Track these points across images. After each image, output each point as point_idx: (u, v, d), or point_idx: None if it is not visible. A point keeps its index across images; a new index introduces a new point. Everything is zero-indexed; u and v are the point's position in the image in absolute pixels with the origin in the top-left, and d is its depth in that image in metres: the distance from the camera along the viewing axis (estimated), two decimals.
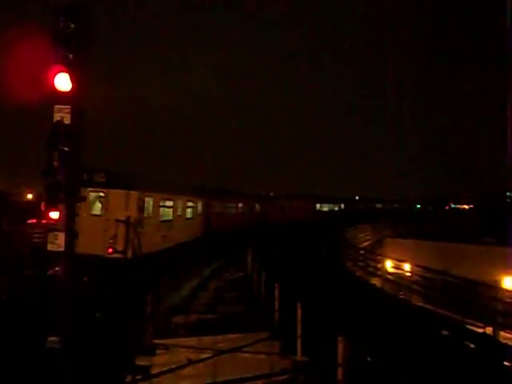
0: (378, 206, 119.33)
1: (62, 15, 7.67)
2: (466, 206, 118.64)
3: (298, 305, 11.76)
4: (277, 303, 14.25)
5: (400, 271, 24.55)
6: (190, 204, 29.65)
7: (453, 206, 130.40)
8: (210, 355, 11.94)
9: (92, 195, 20.13)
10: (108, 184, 20.47)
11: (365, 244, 45.18)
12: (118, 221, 19.67)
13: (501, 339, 14.96)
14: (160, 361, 11.54)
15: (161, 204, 24.01)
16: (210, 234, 33.35)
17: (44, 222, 7.98)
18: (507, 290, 18.85)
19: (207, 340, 13.12)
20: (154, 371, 10.86)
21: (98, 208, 20.34)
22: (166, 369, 11.01)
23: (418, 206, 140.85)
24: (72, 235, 8.04)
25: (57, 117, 7.75)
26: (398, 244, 43.42)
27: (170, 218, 25.36)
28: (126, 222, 19.68)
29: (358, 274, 27.87)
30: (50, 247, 7.92)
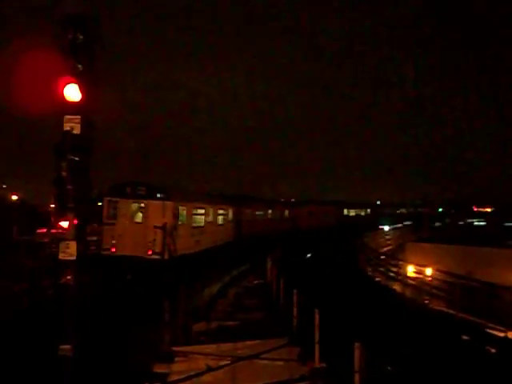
0: (403, 210, 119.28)
1: (71, 27, 7.78)
2: (489, 209, 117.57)
3: (316, 311, 11.74)
4: (295, 309, 14.23)
5: (421, 276, 24.34)
6: (220, 212, 33.06)
7: (475, 209, 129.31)
8: (228, 362, 11.94)
9: (134, 206, 23.74)
10: (148, 196, 23.67)
11: (386, 249, 44.88)
12: (156, 227, 22.68)
13: None
14: (178, 368, 11.56)
15: (193, 212, 27.40)
16: (241, 239, 36.46)
17: (53, 231, 8.09)
18: None
19: (226, 347, 13.14)
20: (173, 378, 10.88)
21: (139, 216, 23.62)
22: (184, 376, 11.03)
23: (441, 209, 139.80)
24: (83, 244, 8.11)
25: (66, 127, 7.86)
26: (419, 248, 43.04)
27: (202, 224, 28.64)
28: (163, 228, 22.72)
29: (378, 279, 27.68)
30: (61, 256, 7.99)
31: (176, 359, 12.08)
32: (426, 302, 21.01)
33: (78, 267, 7.90)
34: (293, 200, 75.82)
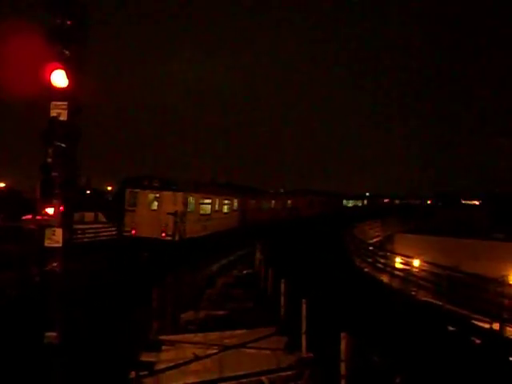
0: (396, 201, 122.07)
1: (58, 11, 7.70)
2: (477, 202, 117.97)
3: (303, 301, 11.78)
4: (283, 299, 14.28)
5: (409, 267, 24.46)
6: (226, 202, 38.54)
7: (463, 201, 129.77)
8: (216, 351, 11.97)
9: (151, 196, 29.17)
10: (162, 188, 29.00)
11: (374, 240, 45.00)
12: (168, 213, 27.95)
13: (508, 335, 14.90)
14: (166, 357, 11.58)
15: (201, 201, 32.55)
16: (246, 225, 41.53)
17: (39, 217, 8.02)
18: None
19: (213, 336, 13.16)
20: (160, 367, 10.90)
21: (155, 205, 28.97)
22: (171, 364, 11.06)
23: (429, 201, 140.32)
24: (69, 231, 8.07)
25: (53, 113, 7.80)
26: (408, 240, 43.26)
27: (209, 212, 34.03)
28: (175, 214, 27.92)
29: (366, 270, 27.78)
30: (47, 243, 7.95)
31: (163, 348, 12.10)
32: (413, 293, 21.11)
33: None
34: (282, 190, 77.21)
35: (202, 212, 32.76)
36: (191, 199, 30.58)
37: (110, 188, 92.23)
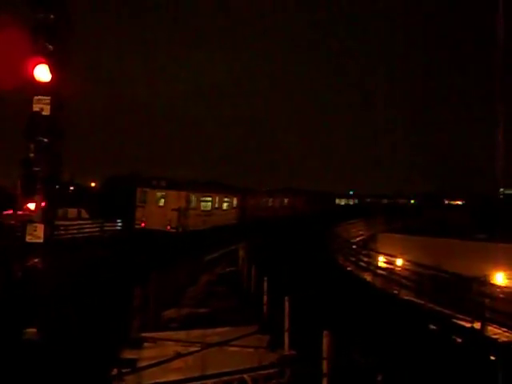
0: (384, 201, 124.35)
1: (42, 6, 7.60)
2: (460, 202, 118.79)
3: (286, 299, 11.79)
4: (265, 297, 14.28)
5: (392, 266, 24.58)
6: (226, 200, 44.14)
7: (447, 202, 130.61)
8: (198, 349, 11.94)
9: (158, 194, 35.60)
10: (167, 187, 35.42)
11: (358, 239, 45.14)
12: (173, 210, 34.30)
13: (489, 334, 15.02)
14: (148, 354, 11.52)
15: (202, 199, 38.58)
16: (244, 221, 46.30)
17: (20, 213, 7.91)
18: (497, 286, 18.94)
19: (196, 333, 13.11)
20: (142, 364, 10.84)
21: (161, 202, 35.35)
22: (153, 362, 11.01)
23: (412, 201, 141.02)
24: (51, 227, 7.98)
25: (36, 108, 7.70)
26: (391, 239, 43.43)
27: (209, 209, 39.92)
28: (178, 210, 34.26)
29: (349, 268, 27.87)
30: (28, 239, 7.85)
31: (145, 345, 12.05)
32: (396, 291, 21.22)
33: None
34: (268, 188, 77.83)
35: (203, 208, 38.70)
36: (193, 197, 36.56)
37: (93, 184, 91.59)
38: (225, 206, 43.95)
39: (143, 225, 34.86)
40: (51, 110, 7.78)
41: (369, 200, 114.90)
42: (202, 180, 49.79)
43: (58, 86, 7.87)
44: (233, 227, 41.46)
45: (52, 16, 7.76)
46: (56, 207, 8.43)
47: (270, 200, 58.88)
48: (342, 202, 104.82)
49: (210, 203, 40.02)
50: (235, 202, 46.29)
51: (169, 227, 33.79)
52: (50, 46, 7.74)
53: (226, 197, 44.02)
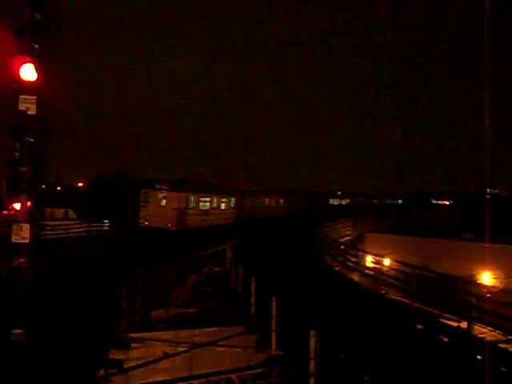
0: (375, 201, 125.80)
1: (28, 5, 7.56)
2: (447, 202, 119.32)
3: (273, 299, 11.80)
4: (253, 297, 14.28)
5: (379, 266, 24.62)
6: (223, 200, 47.64)
7: (434, 201, 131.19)
8: (186, 349, 11.93)
9: (160, 195, 39.14)
10: (168, 189, 39.18)
11: (346, 239, 45.21)
12: (173, 209, 38.15)
13: (475, 333, 15.09)
14: (135, 355, 11.53)
15: (200, 200, 42.28)
16: (241, 220, 48.96)
17: (5, 212, 7.86)
18: (483, 285, 19.04)
19: (184, 334, 13.12)
20: (129, 365, 10.83)
21: (163, 202, 38.99)
22: (140, 362, 10.99)
23: (400, 201, 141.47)
24: (37, 227, 7.93)
25: (22, 107, 7.65)
26: (378, 239, 43.51)
27: (207, 208, 43.68)
28: (178, 210, 38.15)
29: (337, 268, 27.90)
30: (14, 239, 7.79)
31: (132, 346, 12.02)
32: (383, 291, 21.27)
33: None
34: (254, 188, 78.23)
35: (201, 208, 42.46)
36: (192, 198, 40.52)
37: (81, 184, 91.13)
38: (223, 205, 47.63)
39: (147, 223, 38.39)
40: (37, 109, 7.74)
41: (360, 200, 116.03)
42: (187, 179, 51.06)
43: (43, 85, 7.83)
44: (227, 226, 43.48)
45: (38, 15, 7.73)
46: (42, 207, 8.38)
47: (267, 200, 62.18)
48: (335, 202, 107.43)
49: (208, 203, 43.77)
50: (233, 202, 49.94)
51: (170, 225, 37.46)
52: (36, 46, 7.70)
53: (223, 197, 47.68)
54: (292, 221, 55.64)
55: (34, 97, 7.74)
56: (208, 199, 43.88)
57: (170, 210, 38.18)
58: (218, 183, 56.56)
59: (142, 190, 39.67)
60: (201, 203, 42.56)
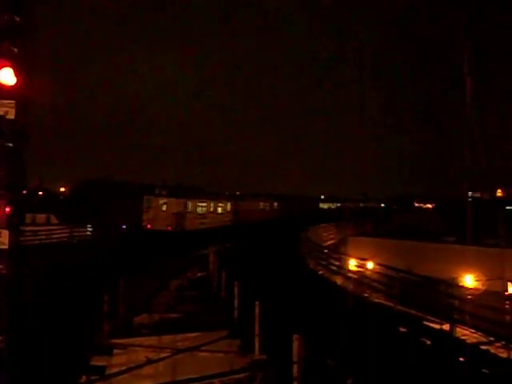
0: (362, 205, 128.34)
1: (7, 8, 7.49)
2: (430, 205, 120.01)
3: (256, 303, 11.77)
4: (236, 301, 14.24)
5: (363, 269, 24.70)
6: (220, 205, 53.39)
7: (417, 205, 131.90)
8: (169, 354, 11.86)
9: (161, 201, 43.54)
10: (168, 195, 43.83)
11: (329, 243, 45.31)
12: (173, 213, 42.65)
13: (458, 335, 15.18)
14: (117, 361, 11.44)
15: (198, 205, 47.23)
16: (237, 223, 54.00)
17: None
18: (465, 288, 19.17)
19: (166, 339, 13.02)
20: (111, 371, 10.75)
21: (164, 207, 43.37)
22: (123, 368, 10.91)
23: (383, 204, 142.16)
24: (17, 233, 7.84)
25: (0, 111, 7.56)
26: (361, 242, 43.61)
27: (204, 212, 48.61)
28: (177, 214, 42.66)
29: (320, 272, 27.95)
30: None
31: (115, 351, 11.92)
32: (367, 294, 21.34)
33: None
34: (238, 193, 78.99)
35: (199, 212, 47.29)
36: (190, 203, 45.00)
37: (63, 189, 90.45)
38: (219, 210, 52.97)
39: (149, 226, 42.65)
40: (16, 113, 7.67)
41: (348, 204, 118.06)
42: (170, 184, 55.00)
43: (23, 89, 7.76)
44: (219, 228, 47.66)
45: (17, 19, 7.66)
46: (22, 213, 8.30)
47: (261, 204, 67.99)
48: (325, 206, 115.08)
49: (205, 208, 48.77)
50: (229, 206, 55.31)
51: (170, 228, 41.74)
52: (15, 49, 7.62)
53: (220, 202, 53.49)
54: (281, 224, 58.64)
55: (13, 101, 7.66)
56: (205, 204, 49.02)
57: (170, 215, 42.80)
58: (202, 187, 60.81)
59: (145, 197, 44.00)
60: (198, 208, 47.39)
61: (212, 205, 50.89)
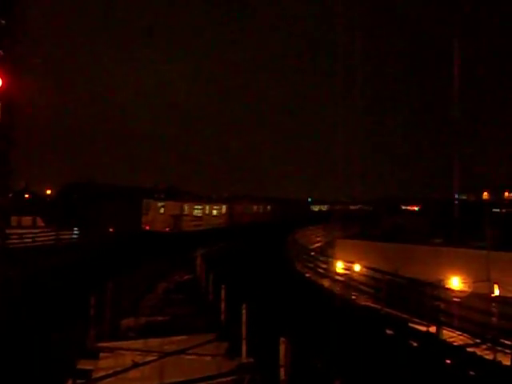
0: (352, 207, 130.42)
1: None
2: (416, 208, 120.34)
3: (244, 306, 11.75)
4: (223, 304, 14.20)
5: (350, 272, 24.76)
6: (215, 207, 56.27)
7: (403, 207, 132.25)
8: (155, 358, 11.80)
9: (159, 204, 46.60)
10: (166, 199, 47.09)
11: (316, 245, 45.42)
12: (170, 215, 45.65)
13: (444, 337, 15.25)
14: (104, 364, 11.36)
15: (194, 207, 50.44)
16: (232, 225, 55.98)
17: None
18: (452, 290, 19.26)
19: (153, 342, 12.95)
20: (98, 375, 10.68)
21: (162, 210, 46.42)
22: (109, 372, 10.85)
23: (368, 207, 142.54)
24: (2, 236, 7.80)
25: None
26: (349, 245, 43.73)
27: (200, 215, 51.66)
28: (174, 216, 45.65)
29: (308, 275, 27.95)
30: None
31: (101, 355, 11.84)
32: (354, 297, 21.39)
33: None
34: (227, 195, 79.68)
35: (195, 214, 50.31)
36: (186, 206, 48.31)
37: (49, 192, 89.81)
38: (214, 212, 55.87)
39: (148, 227, 45.76)
40: (1, 115, 7.62)
41: (337, 207, 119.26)
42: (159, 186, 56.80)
43: (8, 91, 7.72)
44: (212, 230, 49.06)
45: (3, 21, 7.63)
46: (7, 215, 8.24)
47: (255, 207, 70.48)
48: (316, 208, 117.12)
49: (200, 210, 51.90)
50: (224, 209, 58.23)
51: (167, 229, 44.78)
52: (1, 52, 7.58)
53: (215, 205, 56.52)
54: (272, 226, 59.40)
55: None
56: (201, 207, 52.21)
57: (167, 217, 45.94)
58: (192, 190, 61.70)
59: (144, 200, 46.94)
60: (194, 210, 50.54)
61: (207, 207, 53.86)
